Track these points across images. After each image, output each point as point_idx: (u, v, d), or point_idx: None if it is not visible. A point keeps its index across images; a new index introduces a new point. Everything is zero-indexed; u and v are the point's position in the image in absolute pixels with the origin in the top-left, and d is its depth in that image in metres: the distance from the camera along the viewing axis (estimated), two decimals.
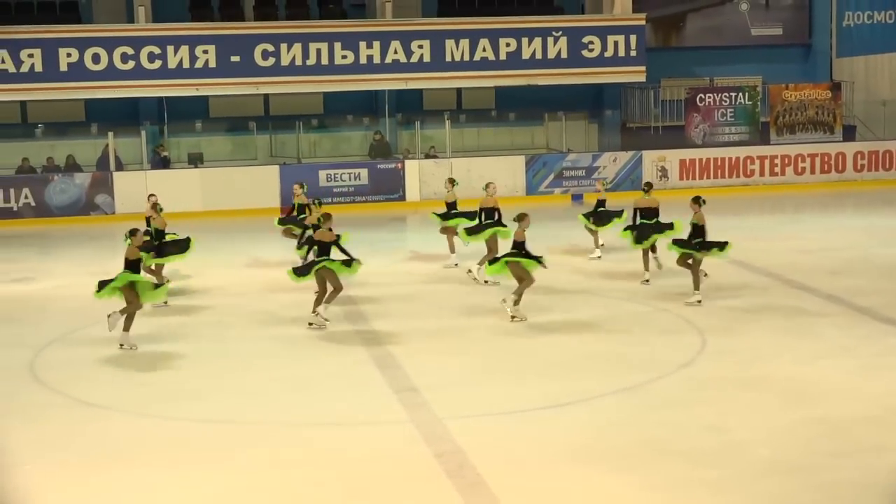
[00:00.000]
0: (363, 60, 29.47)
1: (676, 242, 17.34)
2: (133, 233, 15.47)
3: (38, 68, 28.09)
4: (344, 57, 29.35)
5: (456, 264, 20.06)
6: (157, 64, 28.55)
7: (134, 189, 27.81)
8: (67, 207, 27.76)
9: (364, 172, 29.10)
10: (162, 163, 29.41)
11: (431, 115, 31.28)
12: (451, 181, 21.08)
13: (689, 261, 17.10)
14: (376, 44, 29.50)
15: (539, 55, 30.27)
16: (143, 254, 16.15)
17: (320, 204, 18.81)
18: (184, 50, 28.68)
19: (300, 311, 16.92)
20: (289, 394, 13.34)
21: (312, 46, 29.23)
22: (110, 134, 29.10)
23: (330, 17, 30.85)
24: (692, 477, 10.30)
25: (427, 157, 30.14)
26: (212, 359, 15.02)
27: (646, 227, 18.79)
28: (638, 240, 18.60)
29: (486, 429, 11.89)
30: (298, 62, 29.18)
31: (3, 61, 27.89)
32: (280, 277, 18.75)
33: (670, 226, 18.78)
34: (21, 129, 30.41)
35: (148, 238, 17.41)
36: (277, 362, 14.71)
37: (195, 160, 30.10)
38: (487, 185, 19.88)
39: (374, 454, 11.22)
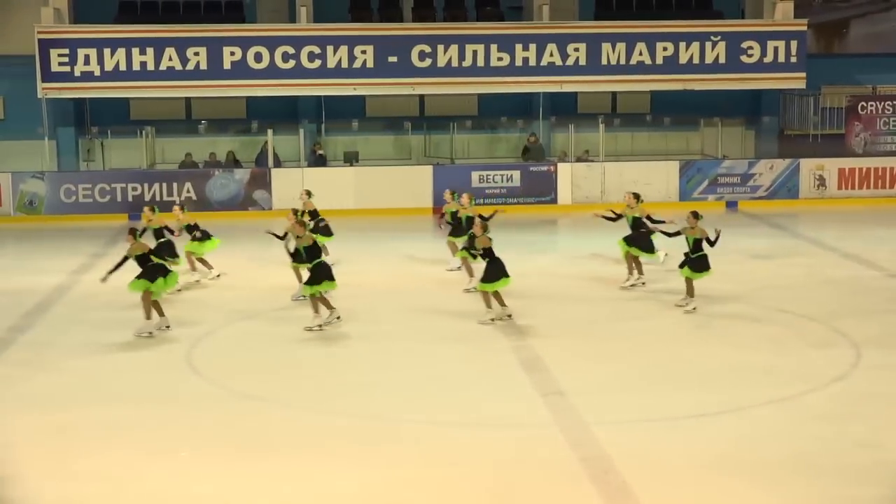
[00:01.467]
0: (518, 63, 29.42)
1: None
2: (132, 232, 16.38)
3: (203, 66, 28.70)
4: (500, 59, 29.35)
5: None
6: (317, 63, 28.95)
7: (291, 186, 28.30)
8: (226, 202, 28.34)
9: (516, 174, 29.07)
10: (318, 160, 29.83)
11: (585, 119, 31.11)
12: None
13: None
14: (532, 46, 29.43)
15: (696, 59, 29.83)
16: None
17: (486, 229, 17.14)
18: (343, 50, 29.02)
19: (447, 308, 17.03)
20: (436, 393, 13.43)
21: (469, 48, 29.30)
22: (269, 131, 29.62)
23: (487, 20, 30.91)
24: (843, 494, 10.07)
25: (580, 160, 29.99)
26: (363, 356, 15.22)
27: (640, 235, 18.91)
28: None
29: (633, 435, 11.79)
30: (455, 63, 29.27)
31: (170, 59, 28.57)
32: (431, 274, 18.94)
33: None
34: (185, 125, 31.15)
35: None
36: (425, 361, 14.81)
37: (350, 158, 30.45)
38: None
39: (519, 456, 11.22)
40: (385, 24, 30.22)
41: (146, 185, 28.28)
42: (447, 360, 14.86)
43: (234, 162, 29.96)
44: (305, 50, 28.93)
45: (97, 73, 28.42)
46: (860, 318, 16.62)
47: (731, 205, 28.73)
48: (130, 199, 27.97)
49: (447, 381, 13.88)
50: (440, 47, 29.23)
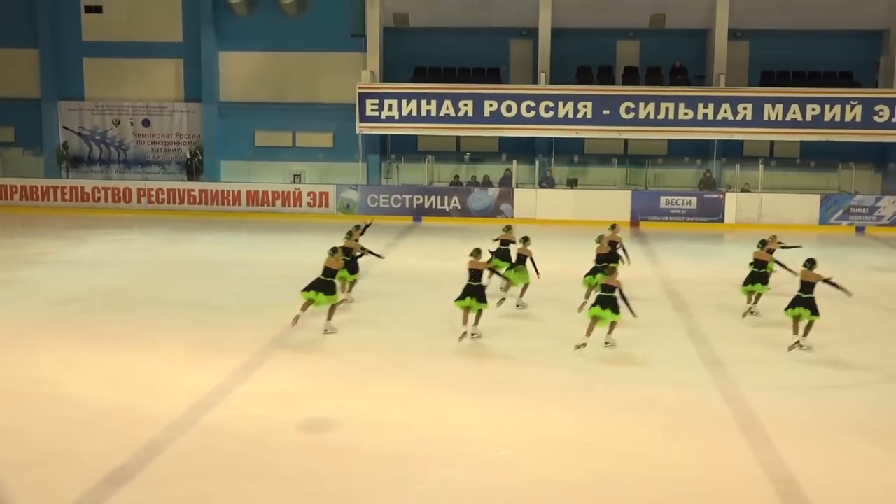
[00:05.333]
0: (700, 116, 28.68)
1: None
2: (334, 250, 14.18)
3: (469, 114, 29.15)
4: (686, 114, 28.67)
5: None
6: (551, 114, 28.96)
7: (527, 201, 28.50)
8: (481, 211, 28.71)
9: (694, 199, 28.36)
10: (548, 183, 29.85)
11: (749, 160, 30.07)
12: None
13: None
14: (711, 105, 28.63)
15: (837, 118, 28.40)
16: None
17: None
18: (570, 104, 28.93)
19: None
20: (624, 359, 13.27)
21: (663, 105, 28.74)
22: (514, 161, 29.88)
23: (677, 84, 30.21)
24: None
25: (743, 190, 28.98)
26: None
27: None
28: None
29: (777, 398, 11.38)
30: (651, 116, 28.78)
31: (446, 108, 29.16)
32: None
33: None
34: (454, 155, 31.70)
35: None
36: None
37: (571, 183, 30.35)
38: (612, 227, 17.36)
39: (685, 406, 11.01)
40: (601, 86, 29.93)
41: (426, 196, 28.93)
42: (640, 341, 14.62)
43: (487, 182, 30.30)
44: (543, 104, 28.99)
45: (396, 116, 29.24)
46: None
47: (860, 229, 27.23)
48: (415, 206, 28.67)
49: (637, 359, 13.70)
50: (641, 104, 28.81)
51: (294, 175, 30.99)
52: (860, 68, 30.50)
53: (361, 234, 16.97)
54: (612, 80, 30.84)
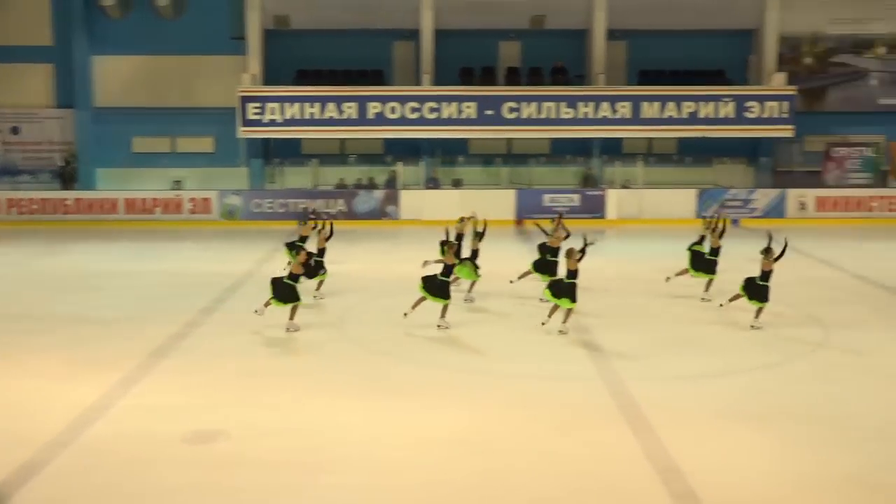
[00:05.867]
0: (580, 115, 29.27)
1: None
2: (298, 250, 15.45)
3: (354, 116, 29.04)
4: (567, 113, 29.21)
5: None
6: (435, 115, 29.10)
7: (413, 202, 28.56)
8: (367, 213, 28.64)
9: (577, 197, 28.92)
10: (433, 184, 29.97)
11: (629, 157, 30.86)
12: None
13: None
14: (591, 104, 29.24)
15: (712, 114, 29.40)
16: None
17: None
18: (453, 105, 29.13)
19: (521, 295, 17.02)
20: (511, 355, 13.42)
21: (544, 104, 29.21)
22: (399, 163, 29.91)
23: (558, 84, 30.73)
24: (819, 437, 9.90)
25: (623, 187, 29.72)
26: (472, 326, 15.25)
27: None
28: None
29: (659, 388, 11.68)
30: (534, 115, 29.22)
31: (330, 111, 28.98)
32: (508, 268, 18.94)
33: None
34: (339, 157, 31.49)
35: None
36: (506, 329, 14.77)
37: (457, 183, 30.54)
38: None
39: (573, 401, 11.19)
40: (484, 87, 30.24)
41: (311, 200, 28.68)
42: (515, 329, 14.84)
43: (373, 185, 30.22)
44: (427, 105, 29.10)
45: (279, 119, 28.90)
46: (829, 306, 16.25)
47: (735, 221, 28.25)
48: (300, 209, 28.40)
49: (519, 347, 13.87)
50: (524, 104, 29.23)
51: (174, 181, 30.27)
52: (732, 66, 31.64)
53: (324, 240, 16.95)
54: (494, 81, 31.18)
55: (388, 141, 30.92)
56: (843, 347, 13.71)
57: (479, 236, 16.90)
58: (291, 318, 14.43)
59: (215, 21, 30.79)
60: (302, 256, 14.89)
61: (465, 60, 31.29)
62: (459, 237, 17.24)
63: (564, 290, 14.14)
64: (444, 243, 16.21)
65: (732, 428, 10.21)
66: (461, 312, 15.66)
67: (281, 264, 18.35)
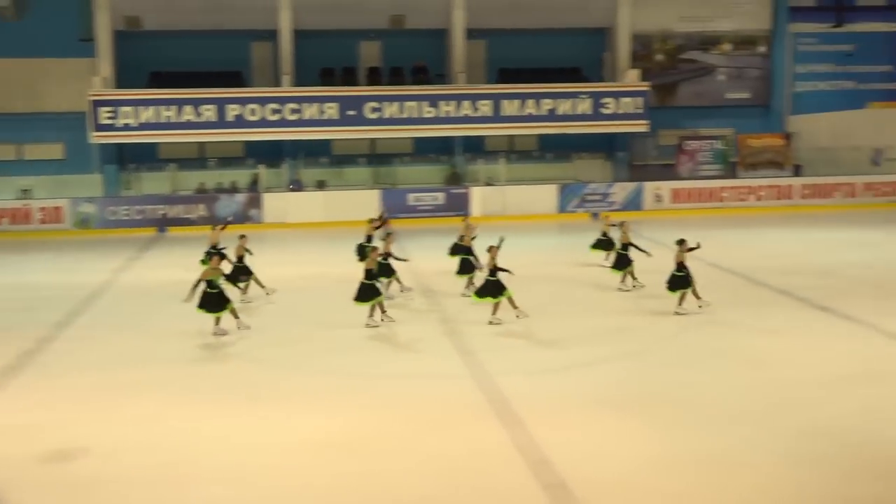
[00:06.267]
0: (442, 114, 29.49)
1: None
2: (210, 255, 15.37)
3: (213, 119, 28.41)
4: (429, 112, 29.37)
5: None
6: (296, 116, 28.77)
7: (276, 206, 28.19)
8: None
9: (441, 195, 29.11)
10: (296, 186, 29.62)
11: (491, 155, 31.26)
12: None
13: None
14: (452, 103, 29.48)
15: (570, 111, 30.09)
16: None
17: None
18: (315, 106, 28.86)
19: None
20: (381, 356, 13.38)
21: (406, 104, 29.29)
22: (261, 166, 29.43)
23: (419, 83, 30.84)
24: (675, 420, 10.22)
25: (487, 184, 30.09)
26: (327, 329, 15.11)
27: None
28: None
29: (527, 382, 11.85)
30: (396, 115, 29.26)
31: (188, 114, 28.27)
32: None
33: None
34: (199, 161, 30.75)
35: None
36: (377, 331, 14.76)
37: (321, 185, 30.27)
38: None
39: (443, 398, 11.24)
40: (346, 87, 30.09)
41: (170, 206, 27.93)
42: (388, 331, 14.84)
43: (235, 188, 29.66)
44: (287, 106, 28.75)
45: (134, 124, 28.02)
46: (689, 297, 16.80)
47: (595, 215, 28.96)
48: (159, 216, 27.61)
49: (389, 346, 13.85)
50: (385, 103, 29.24)
51: (22, 190, 28.89)
52: (588, 64, 32.46)
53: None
54: (355, 81, 31.06)
55: (249, 143, 30.37)
56: (701, 333, 14.24)
57: (389, 236, 17.26)
58: (217, 323, 14.39)
59: (62, 22, 29.57)
60: (215, 261, 14.67)
61: (326, 61, 31.06)
62: (462, 239, 17.66)
63: (487, 289, 14.90)
64: (362, 247, 17.03)
65: (597, 417, 10.46)
66: (330, 314, 15.57)
67: (140, 273, 17.78)
